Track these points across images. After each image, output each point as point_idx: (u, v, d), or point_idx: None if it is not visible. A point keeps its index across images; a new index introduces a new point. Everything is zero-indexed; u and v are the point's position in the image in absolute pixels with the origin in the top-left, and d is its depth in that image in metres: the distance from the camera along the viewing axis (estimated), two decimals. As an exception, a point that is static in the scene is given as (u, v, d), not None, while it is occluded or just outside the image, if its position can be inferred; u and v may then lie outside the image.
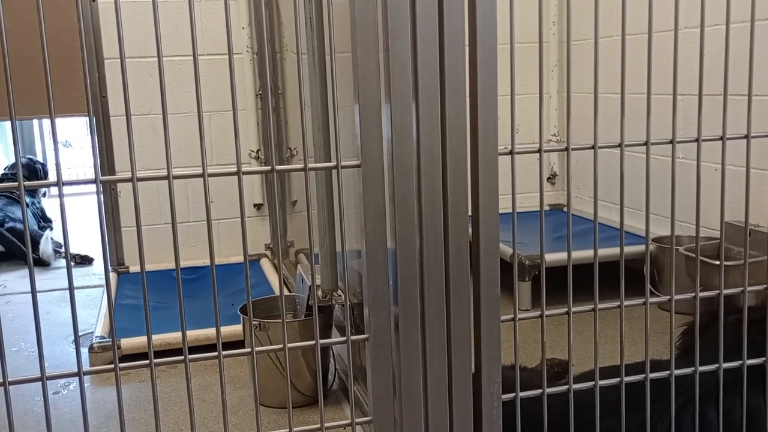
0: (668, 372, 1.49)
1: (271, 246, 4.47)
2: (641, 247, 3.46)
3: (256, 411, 1.32)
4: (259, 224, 4.47)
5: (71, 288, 1.19)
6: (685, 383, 1.54)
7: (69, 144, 8.70)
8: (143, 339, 3.06)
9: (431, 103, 1.27)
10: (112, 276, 4.15)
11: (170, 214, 1.21)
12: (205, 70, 4.18)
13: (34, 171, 6.02)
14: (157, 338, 3.00)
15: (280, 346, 1.29)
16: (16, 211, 5.26)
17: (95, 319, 3.50)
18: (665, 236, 3.58)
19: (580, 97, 4.30)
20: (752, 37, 1.44)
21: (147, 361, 1.23)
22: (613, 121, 3.99)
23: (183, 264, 4.17)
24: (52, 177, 6.59)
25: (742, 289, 1.52)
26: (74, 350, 2.90)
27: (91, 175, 1.16)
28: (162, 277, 3.94)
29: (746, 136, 1.47)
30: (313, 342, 1.31)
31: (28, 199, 5.77)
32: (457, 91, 1.27)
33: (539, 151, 1.35)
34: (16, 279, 4.60)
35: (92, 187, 1.16)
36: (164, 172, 1.18)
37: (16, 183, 1.12)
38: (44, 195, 6.40)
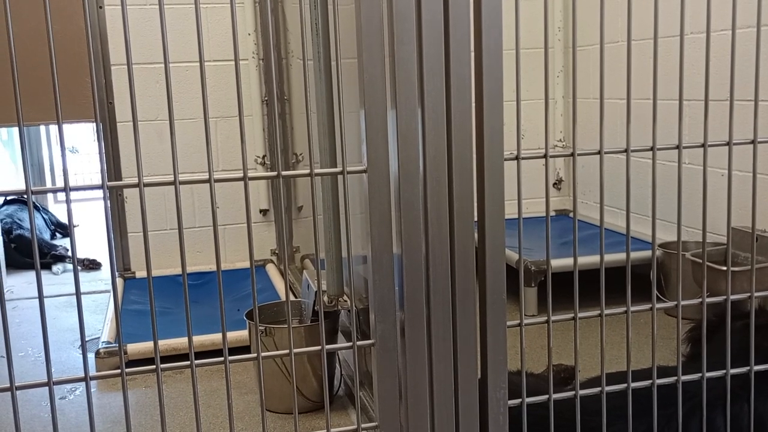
0: (675, 378, 1.49)
1: (277, 251, 4.48)
2: (648, 253, 3.46)
3: (262, 416, 1.32)
4: (265, 230, 4.48)
5: (78, 293, 1.19)
6: (691, 389, 1.54)
7: (76, 150, 8.73)
8: (149, 344, 3.06)
9: (437, 109, 1.27)
10: (119, 281, 4.16)
11: (177, 219, 1.21)
12: (212, 76, 4.20)
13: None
14: (163, 343, 3.00)
15: (286, 351, 1.29)
16: (27, 218, 5.29)
17: (102, 324, 3.51)
18: (672, 242, 3.57)
19: (585, 103, 4.30)
20: (758, 42, 1.44)
21: (153, 366, 1.23)
22: (619, 127, 4.00)
23: (189, 269, 4.17)
24: (59, 183, 6.61)
25: (749, 294, 1.51)
26: (80, 355, 2.91)
27: (97, 181, 1.16)
28: (168, 282, 3.95)
29: (753, 141, 1.47)
30: (319, 347, 1.31)
31: (39, 213, 5.80)
32: (462, 97, 1.27)
33: (545, 156, 1.35)
34: (22, 284, 4.61)
35: (99, 193, 1.16)
36: (171, 178, 1.18)
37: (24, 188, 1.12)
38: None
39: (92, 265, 4.95)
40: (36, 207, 5.85)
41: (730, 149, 1.46)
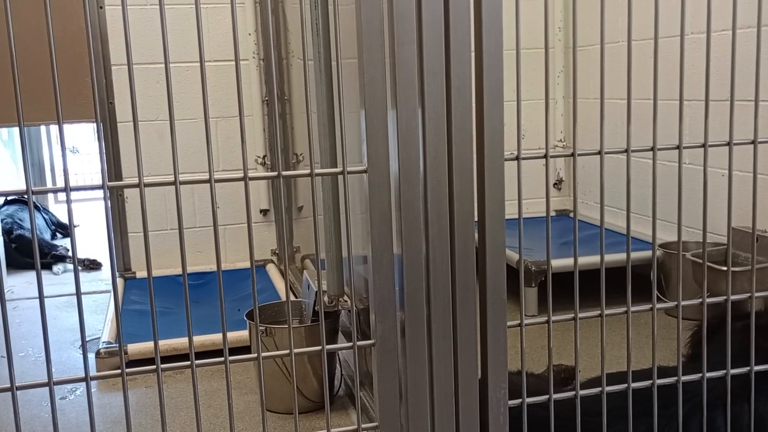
0: (675, 378, 1.49)
1: (277, 251, 4.48)
2: (648, 253, 3.46)
3: (263, 416, 1.32)
4: (266, 230, 4.47)
5: (78, 293, 1.19)
6: (692, 389, 1.54)
7: (76, 150, 8.73)
8: (150, 344, 3.06)
9: (437, 109, 1.27)
10: (119, 281, 4.16)
11: (177, 219, 1.21)
12: (212, 76, 4.20)
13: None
14: (163, 344, 3.00)
15: (287, 351, 1.29)
16: (27, 218, 5.29)
17: (102, 324, 3.51)
18: (672, 242, 3.57)
19: (586, 103, 4.30)
20: (758, 42, 1.44)
21: (153, 367, 1.23)
22: (619, 127, 4.01)
23: (189, 269, 4.17)
24: (59, 183, 6.62)
25: (749, 294, 1.51)
26: (81, 355, 2.91)
27: (98, 181, 1.16)
28: (168, 282, 3.95)
29: (753, 142, 1.47)
30: (319, 347, 1.31)
31: (40, 213, 5.80)
32: (463, 97, 1.27)
33: (545, 156, 1.35)
34: (23, 284, 4.61)
35: (99, 193, 1.16)
36: (171, 178, 1.18)
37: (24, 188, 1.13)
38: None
39: (93, 265, 4.96)
40: (36, 207, 5.86)
41: (731, 149, 1.46)
